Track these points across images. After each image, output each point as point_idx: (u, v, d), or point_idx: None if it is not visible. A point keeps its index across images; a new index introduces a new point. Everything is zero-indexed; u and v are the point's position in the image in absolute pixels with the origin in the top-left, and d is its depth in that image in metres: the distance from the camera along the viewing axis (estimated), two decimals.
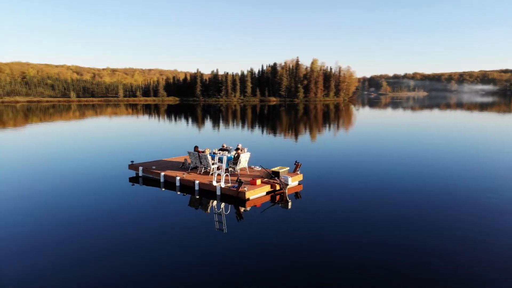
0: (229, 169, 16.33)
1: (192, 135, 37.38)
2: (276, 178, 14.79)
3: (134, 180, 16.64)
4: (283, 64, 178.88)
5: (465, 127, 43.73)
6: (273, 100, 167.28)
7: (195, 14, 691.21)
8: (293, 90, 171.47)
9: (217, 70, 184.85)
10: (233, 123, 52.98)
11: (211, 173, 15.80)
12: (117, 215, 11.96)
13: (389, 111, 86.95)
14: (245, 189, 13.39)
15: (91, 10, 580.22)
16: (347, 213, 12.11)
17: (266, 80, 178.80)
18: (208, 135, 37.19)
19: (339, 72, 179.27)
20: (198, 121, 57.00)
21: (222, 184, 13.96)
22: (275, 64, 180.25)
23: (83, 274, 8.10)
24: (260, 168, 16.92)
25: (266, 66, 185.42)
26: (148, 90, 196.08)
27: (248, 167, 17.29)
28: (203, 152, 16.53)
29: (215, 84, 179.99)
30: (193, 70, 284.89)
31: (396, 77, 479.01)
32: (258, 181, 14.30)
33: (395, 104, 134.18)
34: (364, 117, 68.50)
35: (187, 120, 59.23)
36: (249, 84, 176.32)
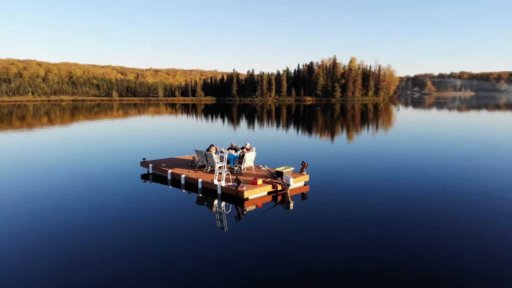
0: (235, 168, 16.17)
1: (213, 133, 37.76)
2: (278, 178, 14.40)
3: (145, 177, 16.88)
4: (320, 63, 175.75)
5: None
6: (309, 100, 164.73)
7: (235, 15, 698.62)
8: (330, 89, 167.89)
9: (253, 70, 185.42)
10: (259, 122, 52.26)
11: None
12: (121, 211, 12.09)
13: (431, 112, 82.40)
14: (244, 188, 13.18)
15: (137, 13, 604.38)
16: (351, 217, 11.49)
17: (302, 79, 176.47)
18: (227, 134, 37.44)
19: (379, 70, 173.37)
20: (226, 120, 56.86)
21: (223, 183, 13.84)
22: (311, 63, 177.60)
23: (73, 270, 8.12)
24: (266, 168, 16.49)
25: (303, 65, 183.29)
26: (186, 90, 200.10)
27: (256, 166, 17.17)
28: (208, 150, 16.52)
29: (251, 84, 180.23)
30: (237, 70, 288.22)
31: (441, 76, 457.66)
32: (259, 181, 13.99)
33: (439, 104, 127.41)
34: (403, 117, 65.07)
35: (216, 119, 59.57)
36: (284, 84, 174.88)
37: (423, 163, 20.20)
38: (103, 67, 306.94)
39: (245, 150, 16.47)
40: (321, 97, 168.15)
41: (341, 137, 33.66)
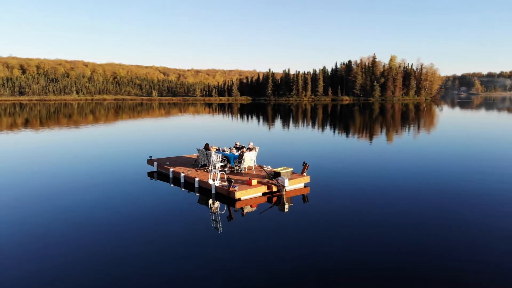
0: (235, 167, 16.01)
1: (229, 132, 38.36)
2: (273, 179, 14.05)
3: (151, 175, 17.14)
4: (358, 61, 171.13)
5: None
6: (346, 99, 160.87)
7: (274, 15, 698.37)
8: (369, 88, 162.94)
9: (288, 69, 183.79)
10: (285, 122, 51.47)
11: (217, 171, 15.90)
12: (119, 208, 12.23)
13: (477, 113, 77.53)
14: (236, 189, 12.96)
15: (180, 15, 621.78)
16: (347, 222, 10.97)
17: (340, 78, 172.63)
18: (242, 132, 37.86)
19: (421, 69, 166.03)
20: (252, 119, 56.39)
21: (217, 183, 13.69)
22: (349, 61, 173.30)
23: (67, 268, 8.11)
24: (268, 168, 16.18)
25: (340, 64, 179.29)
26: (223, 90, 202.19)
27: (259, 166, 16.94)
28: (206, 149, 16.44)
29: (286, 83, 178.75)
30: (274, 70, 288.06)
31: (490, 75, 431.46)
32: (254, 181, 13.66)
33: (487, 105, 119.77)
34: (445, 118, 61.53)
35: (243, 118, 59.61)
36: (321, 83, 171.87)
37: (444, 168, 18.71)
38: (146, 67, 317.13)
39: (244, 149, 16.23)
40: (359, 97, 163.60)
41: (368, 138, 32.04)
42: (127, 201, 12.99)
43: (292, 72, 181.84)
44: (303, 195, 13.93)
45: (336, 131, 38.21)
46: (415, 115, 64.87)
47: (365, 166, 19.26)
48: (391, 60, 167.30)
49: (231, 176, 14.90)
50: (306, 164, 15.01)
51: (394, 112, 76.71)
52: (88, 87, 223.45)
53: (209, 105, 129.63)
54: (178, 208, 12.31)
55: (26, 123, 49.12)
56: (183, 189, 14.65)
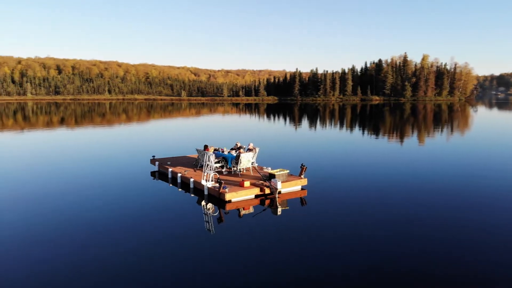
0: (233, 168, 15.87)
1: (238, 132, 38.28)
2: (267, 181, 13.74)
3: (154, 174, 17.32)
4: (389, 60, 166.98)
5: None
6: (376, 99, 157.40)
7: (304, 13, 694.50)
8: (399, 88, 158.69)
9: (316, 68, 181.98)
10: (303, 122, 50.53)
11: (216, 171, 15.81)
12: (116, 206, 12.39)
13: None
14: (226, 190, 12.77)
15: (210, 17, 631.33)
16: (342, 227, 10.54)
17: (369, 78, 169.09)
18: (252, 133, 37.63)
19: (455, 68, 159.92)
20: (271, 120, 55.95)
21: (209, 184, 13.55)
22: (380, 60, 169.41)
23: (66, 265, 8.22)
24: (269, 170, 15.81)
25: (370, 63, 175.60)
26: (250, 90, 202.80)
27: (259, 167, 16.65)
28: (204, 150, 16.33)
29: (314, 83, 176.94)
30: (302, 69, 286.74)
31: None
32: (247, 183, 13.42)
33: None
34: (479, 119, 58.87)
35: (261, 118, 59.28)
36: (349, 82, 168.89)
37: (454, 172, 17.73)
38: (178, 68, 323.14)
39: (242, 150, 16.01)
40: (390, 96, 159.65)
41: (389, 140, 30.94)
42: (124, 199, 13.13)
43: (320, 71, 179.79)
44: (300, 198, 13.55)
45: (356, 132, 37.28)
46: (445, 116, 62.53)
47: (370, 170, 18.35)
48: (423, 59, 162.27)
49: (228, 177, 14.80)
50: (304, 166, 14.57)
51: (426, 112, 74.29)
52: (121, 87, 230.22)
53: (236, 105, 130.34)
54: (172, 208, 12.29)
55: (54, 122, 51.04)
56: (180, 189, 14.65)
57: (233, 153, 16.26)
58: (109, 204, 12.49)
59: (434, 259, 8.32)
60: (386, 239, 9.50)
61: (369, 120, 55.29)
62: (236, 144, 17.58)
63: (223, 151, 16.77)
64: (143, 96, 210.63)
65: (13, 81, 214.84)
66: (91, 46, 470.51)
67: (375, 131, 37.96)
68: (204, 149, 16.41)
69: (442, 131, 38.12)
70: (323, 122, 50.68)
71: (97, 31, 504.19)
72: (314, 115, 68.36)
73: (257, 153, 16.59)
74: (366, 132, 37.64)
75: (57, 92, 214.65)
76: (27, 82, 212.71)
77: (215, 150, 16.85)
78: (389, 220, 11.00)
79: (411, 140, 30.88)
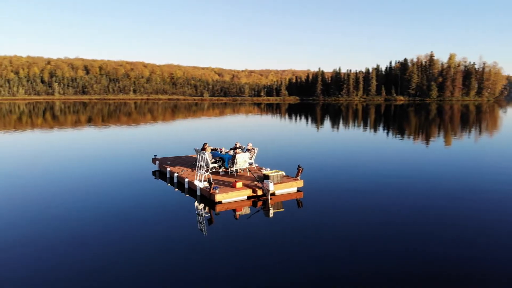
0: (229, 169, 15.74)
1: (244, 132, 37.87)
2: (259, 182, 13.46)
3: (155, 174, 17.41)
4: (415, 60, 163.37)
5: None
6: (401, 99, 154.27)
7: (328, 13, 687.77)
8: (425, 88, 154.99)
9: (339, 68, 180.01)
10: (316, 123, 49.90)
11: (211, 171, 15.84)
12: (114, 205, 12.48)
13: None
14: (216, 191, 12.59)
15: (234, 18, 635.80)
16: (338, 231, 10.12)
17: (394, 77, 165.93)
18: (257, 133, 37.28)
19: (483, 68, 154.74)
20: (284, 119, 55.49)
21: (201, 185, 13.41)
22: (405, 60, 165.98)
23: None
24: (268, 170, 15.53)
25: (395, 62, 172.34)
26: (271, 90, 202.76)
27: (258, 167, 16.49)
28: (202, 149, 16.15)
29: (336, 82, 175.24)
30: (326, 69, 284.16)
31: None
32: (239, 184, 13.21)
33: None
34: (509, 121, 56.80)
35: (274, 117, 58.76)
36: (373, 82, 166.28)
37: (459, 177, 16.77)
38: (203, 68, 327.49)
39: (238, 150, 15.78)
40: (415, 96, 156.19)
41: (404, 141, 30.13)
42: (121, 198, 13.24)
43: (343, 71, 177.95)
44: (296, 200, 13.17)
45: (370, 134, 36.28)
46: (471, 117, 60.61)
47: (373, 173, 17.61)
48: (450, 58, 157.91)
49: (223, 178, 14.68)
50: (300, 167, 14.21)
51: (453, 113, 72.27)
52: (146, 87, 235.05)
53: (258, 105, 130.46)
54: (165, 208, 12.24)
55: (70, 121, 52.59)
56: (176, 189, 14.63)
57: (232, 153, 15.96)
58: (105, 203, 12.56)
59: (435, 262, 8.12)
60: (384, 244, 9.15)
61: (393, 121, 54.22)
62: (236, 144, 17.24)
63: (221, 151, 16.52)
64: (167, 96, 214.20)
65: (42, 81, 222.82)
66: (119, 47, 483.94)
67: (401, 132, 37.02)
68: (202, 149, 16.21)
69: (465, 133, 37.00)
70: (338, 123, 49.85)
71: (126, 32, 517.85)
72: (335, 115, 67.40)
73: (255, 153, 16.38)
74: (387, 133, 36.57)
75: (84, 92, 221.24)
76: (55, 82, 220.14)
77: (213, 150, 16.64)
78: (388, 224, 10.60)
79: (428, 142, 30.11)
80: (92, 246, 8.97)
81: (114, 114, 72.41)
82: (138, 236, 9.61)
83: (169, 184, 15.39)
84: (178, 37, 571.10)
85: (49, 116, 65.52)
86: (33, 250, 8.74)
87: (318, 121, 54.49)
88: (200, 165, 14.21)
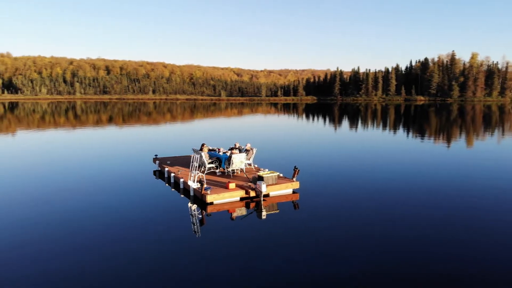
0: (226, 169, 15.68)
1: (248, 132, 37.74)
2: (253, 183, 13.33)
3: (156, 173, 17.47)
4: (436, 59, 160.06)
5: None
6: (421, 100, 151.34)
7: (347, 12, 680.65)
8: (446, 88, 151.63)
9: (358, 67, 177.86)
10: (324, 123, 49.33)
11: (207, 171, 15.85)
12: (111, 204, 12.56)
13: None
14: (208, 192, 12.59)
15: (253, 18, 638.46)
16: (331, 232, 9.93)
17: (415, 77, 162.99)
18: (261, 133, 37.02)
19: (506, 68, 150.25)
20: (294, 119, 54.99)
21: (194, 185, 13.41)
22: (426, 59, 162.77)
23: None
24: (266, 171, 15.36)
25: (415, 62, 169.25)
26: (288, 90, 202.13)
27: (257, 168, 16.44)
28: (201, 149, 16.05)
29: (355, 82, 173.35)
30: (346, 68, 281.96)
31: None
32: (232, 185, 13.12)
33: None
34: None
35: (283, 116, 58.20)
36: (393, 82, 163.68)
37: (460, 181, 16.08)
38: (222, 68, 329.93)
39: (234, 151, 15.62)
40: (436, 97, 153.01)
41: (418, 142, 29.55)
42: (120, 199, 13.23)
43: (362, 70, 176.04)
44: (292, 202, 12.92)
45: (383, 135, 35.70)
46: (493, 118, 59.06)
47: (371, 174, 17.24)
48: (472, 57, 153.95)
49: (218, 178, 14.69)
50: (296, 168, 13.98)
51: (475, 114, 70.55)
52: (165, 87, 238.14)
53: (274, 104, 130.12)
54: (160, 208, 12.23)
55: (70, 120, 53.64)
56: (173, 189, 14.62)
57: (229, 153, 15.85)
58: (103, 203, 12.61)
59: (436, 265, 8.04)
60: (380, 246, 8.98)
61: (413, 121, 53.46)
62: (235, 144, 17.08)
63: (219, 151, 16.42)
64: (185, 96, 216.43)
65: (65, 81, 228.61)
66: (140, 47, 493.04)
67: (421, 133, 36.47)
68: (200, 149, 16.17)
69: (487, 134, 36.15)
70: (355, 123, 49.30)
71: (148, 33, 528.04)
72: (353, 115, 66.56)
73: (254, 154, 16.30)
74: (409, 134, 36.05)
75: (104, 92, 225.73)
76: (77, 81, 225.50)
77: (210, 150, 16.65)
78: (385, 226, 10.37)
79: (436, 143, 29.55)
80: (90, 246, 8.98)
81: (134, 113, 73.57)
82: (129, 237, 9.55)
83: (167, 184, 15.39)
84: (199, 38, 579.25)
85: (62, 116, 66.79)
86: (33, 250, 8.80)
87: (333, 121, 53.95)
88: (194, 165, 14.08)
